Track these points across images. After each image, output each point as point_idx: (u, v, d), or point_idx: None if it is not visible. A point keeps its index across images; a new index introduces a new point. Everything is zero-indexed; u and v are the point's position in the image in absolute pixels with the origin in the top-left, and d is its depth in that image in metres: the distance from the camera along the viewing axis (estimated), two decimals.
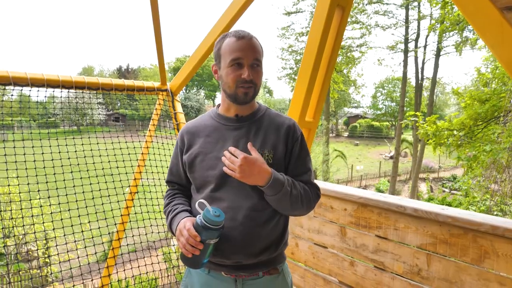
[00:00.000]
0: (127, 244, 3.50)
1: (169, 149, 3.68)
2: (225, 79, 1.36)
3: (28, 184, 3.02)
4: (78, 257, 3.27)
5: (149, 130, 3.67)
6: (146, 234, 3.51)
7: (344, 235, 2.29)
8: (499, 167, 6.68)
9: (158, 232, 3.61)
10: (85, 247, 3.24)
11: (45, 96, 3.08)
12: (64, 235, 3.12)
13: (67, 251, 3.30)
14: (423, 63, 21.33)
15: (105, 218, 3.30)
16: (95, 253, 3.19)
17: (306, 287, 2.55)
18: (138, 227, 3.45)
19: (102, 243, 3.70)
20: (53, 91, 3.02)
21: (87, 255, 3.21)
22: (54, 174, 3.04)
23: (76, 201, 3.15)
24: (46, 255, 9.08)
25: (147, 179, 3.77)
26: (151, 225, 3.52)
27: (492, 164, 6.83)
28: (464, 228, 1.74)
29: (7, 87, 2.81)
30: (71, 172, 3.26)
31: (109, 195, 3.27)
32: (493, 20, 1.58)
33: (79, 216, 3.02)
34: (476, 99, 8.23)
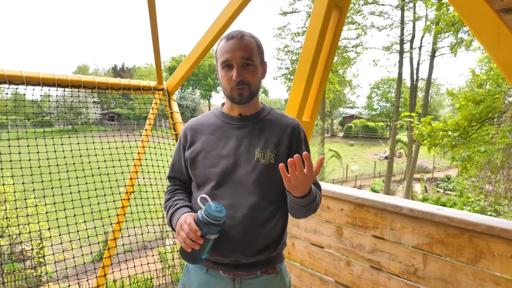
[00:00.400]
0: (123, 244, 3.48)
1: (165, 149, 3.67)
2: (221, 81, 1.39)
3: (23, 183, 2.99)
4: (73, 257, 3.25)
5: (145, 129, 3.65)
6: (142, 234, 3.50)
7: (340, 235, 2.30)
8: (493, 168, 6.74)
9: (154, 232, 3.60)
10: (81, 247, 3.21)
11: (40, 95, 3.05)
12: (59, 234, 3.10)
13: (62, 251, 3.28)
14: (418, 64, 21.39)
15: (101, 218, 3.28)
16: (91, 253, 3.18)
17: (303, 287, 2.56)
18: (134, 227, 3.42)
19: (98, 243, 3.68)
20: (49, 90, 3.00)
21: (82, 255, 3.19)
22: (49, 173, 3.01)
23: (72, 200, 3.13)
24: (40, 255, 9.01)
25: (143, 178, 3.76)
26: (147, 225, 3.51)
27: (487, 164, 6.88)
28: (460, 228, 1.75)
29: (1, 86, 2.78)
30: (67, 171, 3.24)
31: (104, 195, 3.25)
32: (489, 22, 1.59)
33: (74, 215, 3.00)
34: (471, 100, 8.30)
